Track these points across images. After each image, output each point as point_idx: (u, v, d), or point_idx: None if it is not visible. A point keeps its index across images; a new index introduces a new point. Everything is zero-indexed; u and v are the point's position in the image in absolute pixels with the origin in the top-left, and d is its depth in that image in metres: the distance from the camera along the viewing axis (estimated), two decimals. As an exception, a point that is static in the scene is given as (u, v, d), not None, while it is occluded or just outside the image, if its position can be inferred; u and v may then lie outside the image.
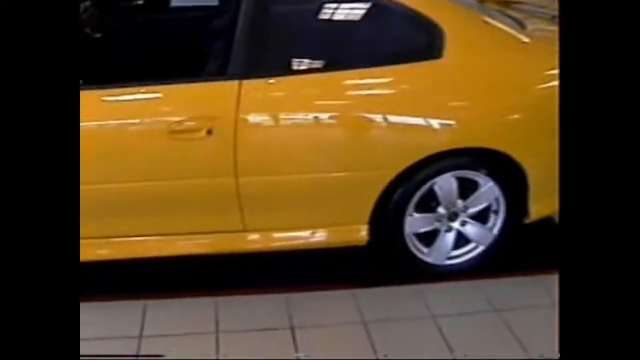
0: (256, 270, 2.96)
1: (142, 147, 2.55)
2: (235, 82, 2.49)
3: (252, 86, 2.51)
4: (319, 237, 2.76)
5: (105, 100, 2.57)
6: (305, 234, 2.77)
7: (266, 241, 2.75)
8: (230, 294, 2.76)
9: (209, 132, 2.46)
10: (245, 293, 2.76)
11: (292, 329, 2.52)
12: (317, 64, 2.67)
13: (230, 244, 2.76)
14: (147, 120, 2.54)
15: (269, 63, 2.59)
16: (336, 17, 2.74)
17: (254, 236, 2.74)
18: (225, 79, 2.51)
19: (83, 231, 2.64)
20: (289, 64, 2.64)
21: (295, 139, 2.61)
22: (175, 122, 2.48)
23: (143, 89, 2.57)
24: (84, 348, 1.81)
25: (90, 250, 2.62)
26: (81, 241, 2.64)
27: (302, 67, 2.67)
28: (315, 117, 2.59)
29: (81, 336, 2.21)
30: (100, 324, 2.51)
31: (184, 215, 2.68)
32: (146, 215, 2.67)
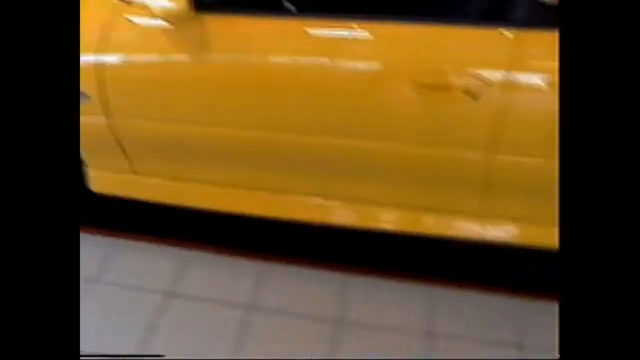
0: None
1: (370, 96, 2.04)
2: (513, 32, 1.91)
3: (534, 39, 1.90)
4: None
5: (308, 33, 2.08)
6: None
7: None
8: (445, 285, 2.33)
9: (467, 92, 1.92)
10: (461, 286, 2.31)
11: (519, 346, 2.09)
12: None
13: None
14: (378, 65, 2.04)
15: (551, 10, 1.96)
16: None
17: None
18: (501, 26, 1.92)
19: (268, 184, 2.31)
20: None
21: None
22: (422, 73, 1.97)
23: (378, 25, 2.03)
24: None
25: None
26: (260, 194, 2.32)
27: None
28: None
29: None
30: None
31: (393, 186, 2.22)
32: (349, 179, 2.23)
